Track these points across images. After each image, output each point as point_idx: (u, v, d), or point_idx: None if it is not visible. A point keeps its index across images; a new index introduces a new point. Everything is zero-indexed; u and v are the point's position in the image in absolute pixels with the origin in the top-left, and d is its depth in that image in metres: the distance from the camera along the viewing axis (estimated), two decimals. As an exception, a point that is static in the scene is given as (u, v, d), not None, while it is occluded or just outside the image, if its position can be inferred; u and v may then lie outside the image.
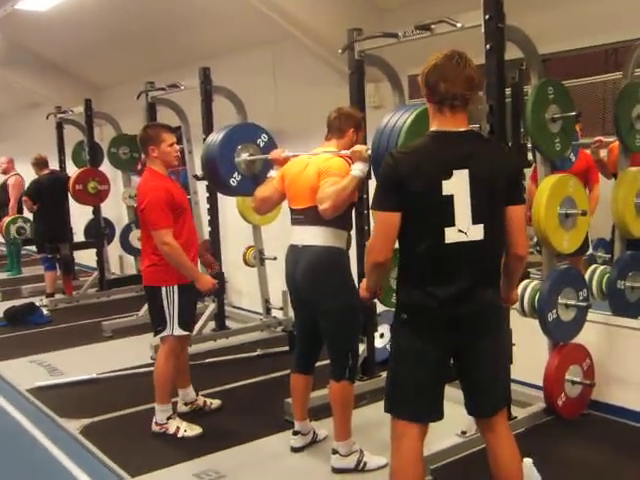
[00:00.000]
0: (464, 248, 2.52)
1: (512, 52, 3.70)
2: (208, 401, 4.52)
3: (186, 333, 4.16)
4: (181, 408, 4.43)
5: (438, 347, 2.60)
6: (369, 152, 3.37)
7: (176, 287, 4.02)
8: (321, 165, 3.45)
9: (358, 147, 3.41)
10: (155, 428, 4.13)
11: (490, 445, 2.76)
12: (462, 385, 2.76)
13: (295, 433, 3.82)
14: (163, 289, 4.02)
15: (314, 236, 3.46)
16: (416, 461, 2.66)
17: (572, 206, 3.79)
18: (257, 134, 4.61)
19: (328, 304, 3.46)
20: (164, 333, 4.08)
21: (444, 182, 2.48)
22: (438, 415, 2.68)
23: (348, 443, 3.54)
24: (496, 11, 3.49)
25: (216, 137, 4.54)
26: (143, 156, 4.35)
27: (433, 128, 2.60)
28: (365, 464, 3.54)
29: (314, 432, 3.88)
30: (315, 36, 5.35)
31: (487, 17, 3.50)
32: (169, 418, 4.12)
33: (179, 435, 4.07)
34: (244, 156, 4.51)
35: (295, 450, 3.80)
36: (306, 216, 3.48)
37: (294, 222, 3.59)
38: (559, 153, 3.95)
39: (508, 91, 3.88)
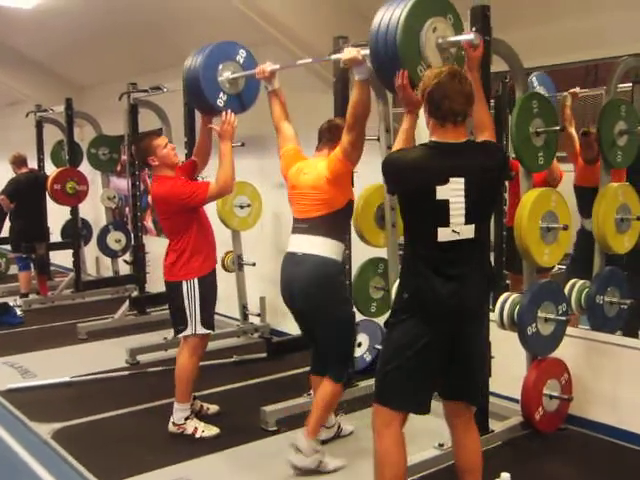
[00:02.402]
0: (456, 246, 2.73)
1: (496, 65, 3.70)
2: (205, 406, 4.47)
3: (208, 332, 4.18)
4: None
5: (433, 339, 2.75)
6: (363, 53, 3.28)
7: (196, 280, 4.06)
8: (326, 170, 3.47)
9: (350, 52, 3.32)
10: (172, 428, 4.13)
11: (456, 433, 3.01)
12: (450, 373, 2.87)
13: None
14: (184, 284, 4.05)
15: (315, 245, 3.47)
16: (401, 444, 2.85)
17: (554, 220, 3.79)
18: (235, 51, 4.49)
19: (327, 315, 3.48)
20: (186, 332, 4.11)
21: (438, 187, 2.68)
22: (426, 408, 2.85)
23: (315, 442, 3.55)
24: (483, 24, 3.49)
25: (195, 59, 4.38)
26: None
27: (433, 139, 2.77)
28: (325, 465, 3.58)
29: (339, 426, 3.92)
30: (300, 42, 5.33)
31: (474, 29, 3.49)
32: (187, 418, 4.12)
33: (197, 436, 4.08)
34: (227, 75, 4.37)
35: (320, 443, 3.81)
36: (309, 226, 3.50)
37: (295, 230, 3.60)
38: (542, 167, 3.96)
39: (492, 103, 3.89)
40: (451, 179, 2.68)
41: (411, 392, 2.81)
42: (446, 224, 2.70)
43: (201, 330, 4.11)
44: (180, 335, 4.18)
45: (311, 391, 4.28)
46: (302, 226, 3.55)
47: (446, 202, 2.69)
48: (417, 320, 2.77)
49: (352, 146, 3.37)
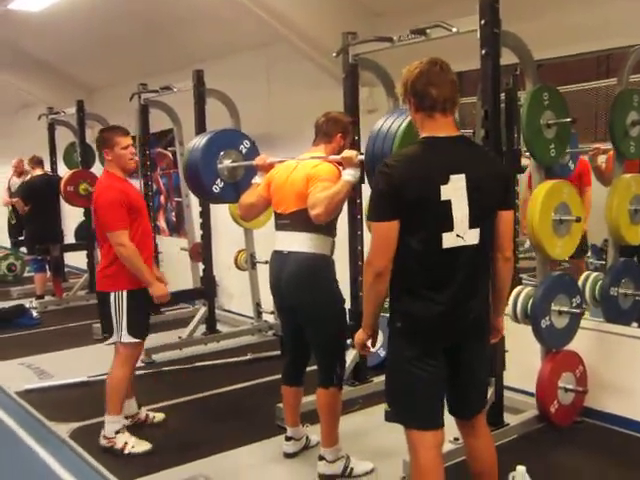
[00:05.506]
0: (460, 252, 2.52)
1: (506, 57, 3.69)
2: (151, 415, 4.36)
3: (136, 340, 3.96)
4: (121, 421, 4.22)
5: (435, 353, 2.60)
6: (359, 157, 3.34)
7: (125, 292, 3.88)
8: (309, 171, 3.38)
9: (348, 153, 3.35)
10: (103, 442, 3.94)
11: (468, 439, 2.84)
12: (449, 385, 2.72)
13: (288, 439, 3.79)
14: (111, 295, 3.88)
15: (300, 242, 3.40)
16: (435, 470, 2.64)
17: (566, 212, 3.78)
18: (240, 140, 4.56)
19: (315, 311, 3.43)
20: (111, 340, 3.98)
21: (442, 187, 2.46)
22: (442, 422, 2.67)
23: (335, 449, 3.53)
24: (492, 16, 3.48)
25: (198, 143, 4.49)
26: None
27: (425, 134, 2.57)
28: (352, 470, 3.53)
29: (307, 438, 3.85)
30: (309, 39, 5.34)
31: (483, 22, 3.49)
32: (117, 432, 3.93)
33: (126, 451, 3.88)
34: (227, 163, 4.44)
35: (288, 456, 3.78)
36: (291, 221, 3.42)
37: (279, 227, 3.52)
38: (554, 159, 3.95)
39: (502, 96, 3.87)
40: (451, 177, 2.46)
41: (428, 411, 2.64)
42: (450, 228, 2.47)
43: (127, 339, 3.90)
44: (106, 343, 4.04)
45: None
46: (284, 222, 3.47)
47: (449, 203, 2.47)
48: (418, 334, 2.58)
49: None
